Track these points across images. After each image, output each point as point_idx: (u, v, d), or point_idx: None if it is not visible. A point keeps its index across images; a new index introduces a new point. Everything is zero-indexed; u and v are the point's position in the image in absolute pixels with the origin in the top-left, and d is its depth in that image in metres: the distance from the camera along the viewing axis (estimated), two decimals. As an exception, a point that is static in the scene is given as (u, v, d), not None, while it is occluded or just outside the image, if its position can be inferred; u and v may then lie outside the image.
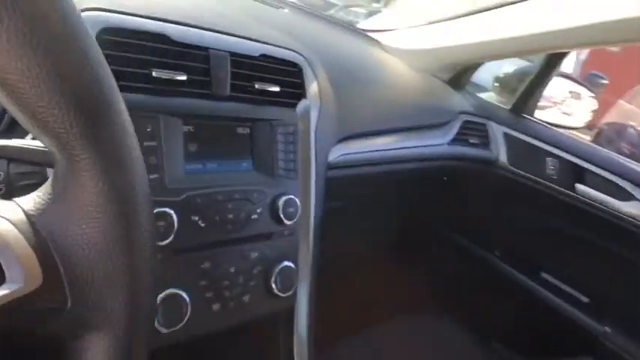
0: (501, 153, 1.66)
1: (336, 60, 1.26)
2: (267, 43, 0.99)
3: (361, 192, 1.42)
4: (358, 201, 1.51)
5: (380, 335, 1.43)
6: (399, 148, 1.34)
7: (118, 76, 0.76)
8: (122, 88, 0.76)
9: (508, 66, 1.83)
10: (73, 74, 0.41)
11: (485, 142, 1.65)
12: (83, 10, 0.73)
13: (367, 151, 1.25)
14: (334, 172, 1.16)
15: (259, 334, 1.03)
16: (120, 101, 0.47)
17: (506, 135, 1.66)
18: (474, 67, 1.72)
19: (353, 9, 2.70)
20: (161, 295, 0.77)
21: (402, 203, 1.65)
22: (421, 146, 1.41)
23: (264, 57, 0.96)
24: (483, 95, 1.82)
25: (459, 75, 1.72)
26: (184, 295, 0.80)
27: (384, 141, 1.31)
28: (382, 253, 1.91)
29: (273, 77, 0.97)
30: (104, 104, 0.44)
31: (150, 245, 0.49)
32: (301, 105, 1.03)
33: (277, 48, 1.01)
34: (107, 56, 0.76)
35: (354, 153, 1.21)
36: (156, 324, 0.77)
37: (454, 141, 1.51)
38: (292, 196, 0.96)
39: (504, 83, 1.81)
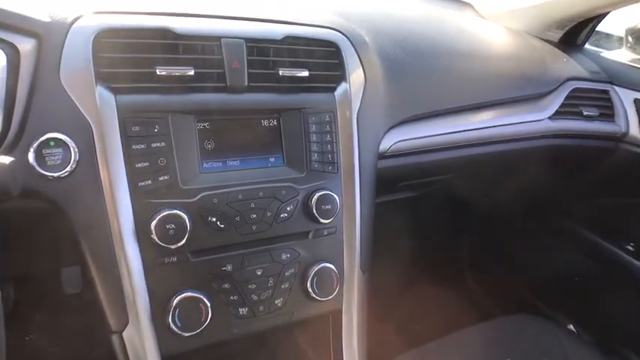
0: (632, 125, 1.31)
1: (397, 33, 1.09)
2: (293, 23, 0.89)
3: (430, 181, 1.24)
4: (427, 191, 1.32)
5: (462, 344, 1.25)
6: (480, 128, 1.13)
7: (121, 78, 0.74)
8: (126, 91, 0.74)
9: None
10: None
11: (607, 112, 1.32)
12: (76, 19, 0.72)
13: (436, 135, 1.07)
14: (391, 161, 1.02)
15: (298, 339, 0.95)
16: None
17: (638, 102, 1.31)
18: (594, 19, 1.38)
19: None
20: (176, 299, 0.75)
21: (481, 192, 1.41)
22: (512, 124, 1.17)
23: (291, 39, 0.86)
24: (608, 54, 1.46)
25: (573, 32, 1.40)
26: (203, 297, 0.77)
27: (462, 120, 1.11)
28: (459, 252, 1.67)
29: (303, 61, 0.87)
30: None
31: None
32: (339, 89, 0.91)
33: (307, 27, 0.90)
34: (107, 59, 0.73)
35: (418, 138, 1.04)
36: (173, 327, 0.74)
37: (558, 114, 1.23)
38: (329, 192, 0.86)
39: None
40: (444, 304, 1.52)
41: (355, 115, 0.93)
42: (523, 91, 1.19)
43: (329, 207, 0.86)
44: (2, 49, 0.66)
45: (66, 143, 0.69)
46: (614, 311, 1.52)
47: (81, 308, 0.79)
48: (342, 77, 0.92)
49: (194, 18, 0.80)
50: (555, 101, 1.23)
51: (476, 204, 1.47)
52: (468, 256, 1.81)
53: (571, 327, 1.59)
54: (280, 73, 0.83)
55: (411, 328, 1.49)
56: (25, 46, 0.69)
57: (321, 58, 0.90)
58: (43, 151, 0.68)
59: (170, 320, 0.74)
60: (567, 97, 1.25)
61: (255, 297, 0.82)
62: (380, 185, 0.99)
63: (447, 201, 1.45)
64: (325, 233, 0.88)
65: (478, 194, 1.42)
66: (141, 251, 0.73)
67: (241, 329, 0.82)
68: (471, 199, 1.45)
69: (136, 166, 0.72)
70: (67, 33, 0.71)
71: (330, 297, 0.88)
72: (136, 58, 0.74)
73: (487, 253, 1.78)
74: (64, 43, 0.71)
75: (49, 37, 0.71)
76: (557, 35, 1.41)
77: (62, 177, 0.70)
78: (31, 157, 0.68)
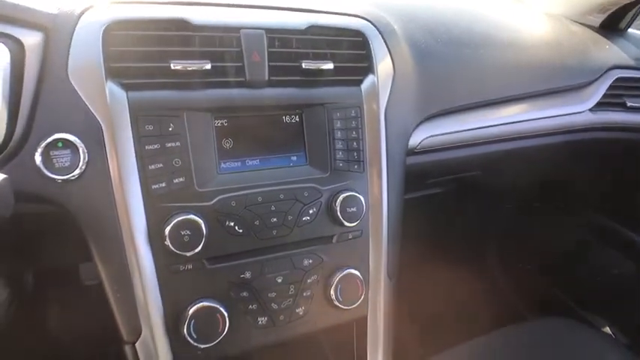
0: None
1: (428, 20, 1.01)
2: (316, 12, 0.82)
3: (460, 177, 1.16)
4: (455, 187, 1.24)
5: (492, 348, 1.19)
6: (517, 122, 1.05)
7: (133, 73, 0.67)
8: (138, 87, 0.68)
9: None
10: None
11: (655, 103, 1.21)
12: (85, 10, 0.67)
13: (469, 129, 0.99)
14: (420, 157, 0.95)
15: (319, 348, 0.90)
16: None
17: (688, 92, 1.20)
18: (639, 2, 1.27)
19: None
20: (192, 309, 0.70)
21: (513, 188, 1.32)
22: (550, 117, 1.08)
23: (315, 29, 0.79)
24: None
25: (616, 15, 1.29)
26: (220, 307, 0.72)
27: (497, 113, 1.03)
28: (487, 250, 1.58)
29: (328, 52, 0.80)
30: None
31: None
32: (366, 82, 0.84)
33: (332, 16, 0.83)
34: (118, 53, 0.67)
35: (450, 133, 0.97)
36: (189, 338, 0.70)
37: (600, 105, 1.13)
38: (354, 193, 0.80)
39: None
40: (473, 304, 1.45)
41: (383, 110, 0.86)
42: (562, 81, 1.10)
43: (354, 209, 0.80)
44: (5, 44, 0.61)
45: (74, 144, 0.65)
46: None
47: (93, 315, 0.75)
48: (369, 69, 0.85)
49: (211, 7, 0.74)
50: (597, 92, 1.13)
51: (507, 200, 1.39)
52: (498, 254, 1.73)
53: (607, 330, 1.51)
54: (303, 65, 0.77)
55: (439, 330, 1.43)
56: (31, 40, 0.64)
57: (347, 49, 0.83)
58: (51, 153, 0.64)
59: (185, 331, 0.69)
60: (610, 87, 1.15)
61: (275, 306, 0.77)
62: (407, 182, 0.92)
63: (475, 196, 1.36)
64: (350, 237, 0.82)
65: (510, 190, 1.34)
66: (154, 258, 0.69)
67: (260, 340, 0.77)
68: (502, 194, 1.36)
69: (150, 167, 0.67)
70: (75, 25, 0.66)
71: (355, 305, 0.82)
72: (149, 51, 0.68)
73: (518, 251, 1.70)
74: (72, 36, 0.66)
75: (56, 30, 0.66)
76: (598, 20, 1.31)
77: (71, 180, 0.65)
78: (37, 159, 0.63)
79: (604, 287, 1.54)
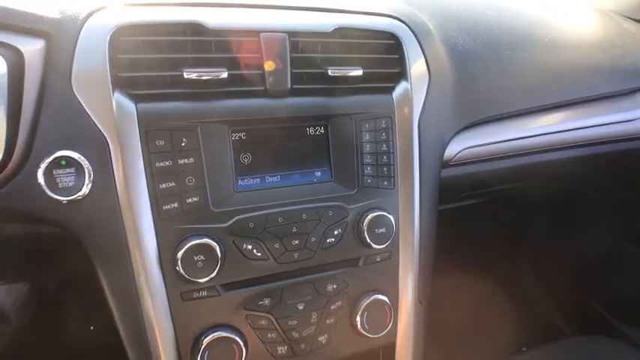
0: None
1: (467, 19, 0.92)
2: (344, 12, 0.74)
3: (499, 190, 1.07)
4: (491, 199, 1.15)
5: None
6: (562, 131, 0.95)
7: (142, 83, 0.61)
8: (148, 98, 0.60)
9: None
10: None
11: None
12: (90, 14, 0.61)
13: (511, 139, 0.90)
14: (456, 169, 0.87)
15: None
16: None
17: None
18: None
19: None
20: (206, 339, 0.64)
21: (554, 199, 1.21)
22: (599, 125, 0.98)
23: (343, 31, 0.72)
24: None
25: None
26: (237, 338, 0.66)
27: (541, 122, 0.93)
28: (524, 264, 1.47)
29: (356, 57, 0.72)
30: None
31: None
32: (398, 89, 0.76)
33: (361, 16, 0.75)
34: (126, 61, 0.59)
35: (490, 144, 0.88)
36: None
37: (656, 112, 1.02)
38: (383, 213, 0.72)
39: None
40: (508, 319, 1.37)
41: (417, 120, 0.78)
42: (613, 85, 0.99)
43: (383, 230, 0.72)
44: (2, 55, 0.55)
45: (79, 162, 0.59)
46: None
47: (102, 345, 0.70)
48: (401, 75, 0.77)
49: (228, 9, 0.67)
50: (652, 98, 1.02)
51: (545, 211, 1.29)
52: (535, 268, 1.62)
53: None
54: (329, 72, 0.69)
55: (474, 347, 1.35)
56: (31, 48, 0.58)
57: (378, 53, 0.75)
58: (54, 172, 0.58)
59: None
60: (666, 92, 1.03)
61: (296, 334, 0.71)
62: (441, 195, 0.84)
63: (511, 208, 1.27)
64: (378, 260, 0.75)
65: (550, 201, 1.24)
66: (165, 284, 0.63)
67: None
68: (542, 206, 1.27)
69: (161, 187, 0.61)
70: (79, 31, 0.60)
71: (382, 333, 0.75)
72: (160, 58, 0.62)
73: (556, 265, 1.59)
74: (76, 43, 0.60)
75: (59, 37, 0.60)
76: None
77: (75, 201, 0.59)
78: (40, 178, 0.58)
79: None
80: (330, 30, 0.71)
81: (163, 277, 0.62)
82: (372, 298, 0.74)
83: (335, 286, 0.72)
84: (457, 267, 1.23)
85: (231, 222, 0.65)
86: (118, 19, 0.60)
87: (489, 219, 1.34)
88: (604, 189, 1.24)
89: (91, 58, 0.60)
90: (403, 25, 0.78)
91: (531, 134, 0.91)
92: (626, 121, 1.00)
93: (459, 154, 0.85)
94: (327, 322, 0.72)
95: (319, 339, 0.72)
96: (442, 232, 0.89)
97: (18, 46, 0.57)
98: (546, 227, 1.45)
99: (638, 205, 1.33)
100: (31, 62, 0.58)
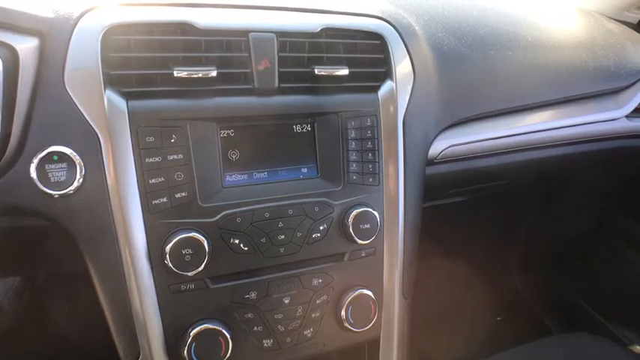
0: None
1: (452, 19, 0.93)
2: (331, 12, 0.76)
3: (483, 187, 1.09)
4: (477, 196, 1.16)
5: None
6: (546, 130, 0.96)
7: (133, 80, 0.62)
8: (139, 95, 0.61)
9: None
10: None
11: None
12: (83, 14, 0.62)
13: (494, 137, 0.92)
14: (441, 167, 0.88)
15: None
16: None
17: None
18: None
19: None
20: (193, 331, 0.65)
21: (539, 196, 1.23)
22: (582, 124, 1.00)
23: (329, 31, 0.73)
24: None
25: (657, 13, 1.19)
26: (223, 330, 0.67)
27: (525, 120, 0.95)
28: (510, 261, 1.49)
29: (342, 56, 0.74)
30: None
31: None
32: (384, 88, 0.78)
33: (347, 17, 0.77)
34: (117, 60, 0.61)
35: (474, 142, 0.89)
36: None
37: (637, 111, 1.04)
38: (368, 209, 0.74)
39: None
40: (494, 316, 1.38)
41: (401, 118, 0.79)
42: (597, 85, 1.01)
43: (368, 226, 0.74)
44: None
45: (70, 157, 0.60)
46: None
47: (90, 335, 0.71)
48: (387, 74, 0.78)
49: (217, 9, 0.69)
50: (635, 97, 1.04)
51: (531, 208, 1.31)
52: (522, 265, 1.64)
53: (639, 348, 1.42)
54: (316, 71, 0.71)
55: (460, 344, 1.36)
56: (25, 46, 0.59)
57: (364, 53, 0.76)
58: (46, 167, 0.60)
59: (186, 354, 0.65)
60: (648, 92, 1.05)
61: (281, 327, 0.72)
62: (426, 193, 0.86)
63: (498, 205, 1.29)
64: (363, 255, 0.77)
65: (535, 198, 1.26)
66: (154, 277, 0.64)
67: None
68: (527, 203, 1.28)
69: (150, 181, 0.62)
70: (72, 30, 0.61)
71: (367, 327, 0.77)
72: (150, 57, 0.63)
73: (543, 262, 1.61)
74: (69, 41, 0.61)
75: (52, 36, 0.61)
76: (636, 16, 1.20)
77: (67, 195, 0.61)
78: (32, 172, 0.59)
79: (634, 301, 1.45)
80: (317, 30, 0.72)
81: (152, 270, 0.64)
82: (356, 293, 0.75)
83: (320, 281, 0.74)
84: (442, 263, 1.25)
85: (218, 217, 0.66)
86: (109, 19, 0.62)
87: (475, 215, 1.36)
88: (586, 186, 1.26)
89: (83, 56, 0.61)
90: (389, 25, 0.79)
91: (515, 133, 0.92)
92: (607, 121, 1.02)
93: (443, 152, 0.86)
94: (313, 315, 0.74)
95: (305, 333, 0.74)
96: (428, 228, 0.91)
97: (13, 44, 0.58)
98: (531, 224, 1.47)
99: (619, 201, 1.35)
100: (25, 60, 0.59)
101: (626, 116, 1.03)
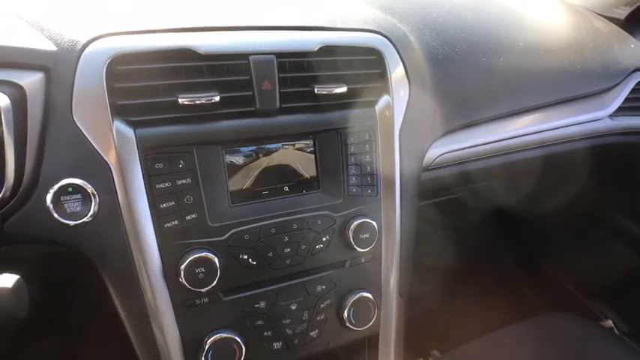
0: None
1: (445, 27, 0.94)
2: (328, 29, 0.76)
3: (471, 188, 1.12)
4: (467, 193, 1.20)
5: (499, 344, 1.19)
6: (534, 133, 0.99)
7: (139, 109, 0.63)
8: (146, 123, 0.63)
9: None
10: None
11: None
12: (86, 45, 0.62)
13: (485, 143, 0.94)
14: (434, 172, 0.92)
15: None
16: None
17: None
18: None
19: None
20: (209, 340, 0.69)
21: (526, 191, 1.28)
22: (568, 126, 1.03)
23: (327, 49, 0.74)
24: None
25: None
26: (237, 337, 0.71)
27: (514, 125, 0.97)
28: (499, 249, 1.54)
29: (341, 74, 0.75)
30: None
31: None
32: (380, 102, 0.79)
33: (344, 33, 0.77)
34: (123, 90, 0.62)
35: (466, 148, 0.92)
36: None
37: (620, 110, 1.07)
38: (367, 220, 0.77)
39: None
40: (484, 303, 1.45)
41: (397, 131, 0.81)
42: (584, 87, 1.03)
43: (367, 235, 0.78)
44: (4, 92, 0.56)
45: (84, 188, 0.62)
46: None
47: (113, 348, 0.75)
48: (383, 89, 0.80)
49: (217, 32, 0.69)
50: (619, 97, 1.07)
51: (519, 201, 1.36)
52: (509, 253, 1.71)
53: (610, 323, 1.51)
54: (316, 90, 0.72)
55: (448, 327, 1.43)
56: (31, 82, 0.60)
57: (361, 69, 0.77)
58: (62, 198, 0.61)
59: None
60: (632, 91, 1.08)
61: (289, 331, 0.76)
62: (421, 196, 0.89)
63: (486, 199, 1.33)
64: (362, 261, 0.80)
65: (522, 193, 1.30)
66: (170, 295, 0.67)
67: None
68: (514, 197, 1.33)
69: (162, 206, 0.65)
70: (77, 63, 0.61)
71: (367, 326, 0.82)
72: (155, 85, 0.64)
73: (529, 250, 1.68)
74: (74, 74, 0.61)
75: (56, 70, 0.61)
76: (624, 12, 1.22)
77: (83, 224, 0.63)
78: (49, 205, 0.61)
79: (612, 282, 1.53)
80: (316, 49, 0.72)
81: (168, 288, 0.67)
82: (357, 296, 0.79)
83: (324, 287, 0.78)
84: (431, 252, 1.30)
85: (227, 235, 0.69)
86: (112, 49, 0.62)
87: (466, 210, 1.40)
88: (573, 181, 1.30)
89: (89, 88, 0.61)
90: (385, 39, 0.80)
91: (506, 137, 0.95)
92: (593, 121, 1.05)
93: (437, 159, 0.89)
94: (318, 318, 0.78)
95: (311, 334, 0.78)
96: (421, 223, 0.95)
97: (18, 82, 0.58)
98: (520, 213, 1.53)
99: (600, 192, 1.41)
100: (32, 95, 0.59)
101: (610, 116, 1.06)
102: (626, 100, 1.07)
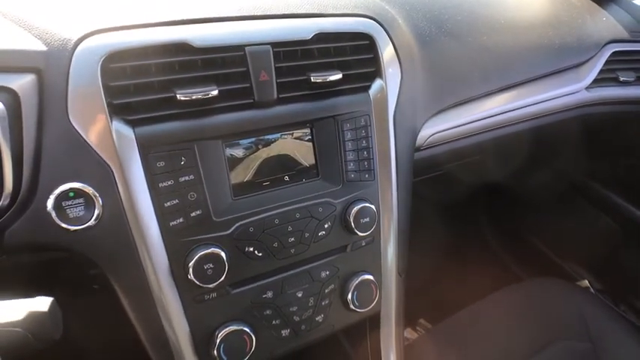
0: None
1: (432, 7, 0.93)
2: (320, 15, 0.75)
3: (458, 164, 1.15)
4: (457, 170, 1.23)
5: (486, 310, 1.25)
6: (518, 108, 1.01)
7: (137, 108, 0.61)
8: (144, 122, 0.61)
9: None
10: None
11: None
12: (78, 43, 0.59)
13: (473, 121, 0.96)
14: (426, 152, 0.93)
15: (336, 342, 0.93)
16: None
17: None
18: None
19: None
20: (221, 333, 0.70)
21: (508, 164, 1.32)
22: (548, 100, 1.05)
23: (320, 36, 0.73)
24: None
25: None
26: (246, 328, 0.71)
27: (498, 101, 0.99)
28: (483, 220, 1.60)
29: (335, 61, 0.74)
30: None
31: None
32: (374, 87, 0.79)
33: (337, 19, 0.76)
34: (119, 88, 0.59)
35: (454, 127, 0.94)
36: None
37: (595, 82, 1.11)
38: (367, 204, 0.78)
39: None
40: (471, 273, 1.50)
41: (392, 114, 0.82)
42: (562, 62, 1.06)
43: (367, 219, 0.78)
44: None
45: (86, 192, 0.60)
46: (629, 266, 1.51)
47: (125, 346, 0.74)
48: (376, 73, 0.79)
49: (211, 24, 0.67)
50: (594, 69, 1.10)
51: (504, 175, 1.40)
52: (493, 224, 1.76)
53: (586, 282, 1.60)
54: (312, 79, 0.71)
55: (438, 300, 1.48)
56: (23, 84, 0.56)
57: (354, 55, 0.77)
58: (63, 204, 0.59)
59: (216, 354, 0.69)
60: (606, 63, 1.12)
61: (296, 318, 0.77)
62: (413, 173, 0.91)
63: (471, 174, 1.37)
64: (363, 244, 0.81)
65: (508, 167, 1.34)
66: (179, 292, 0.67)
67: (283, 349, 0.78)
68: (500, 171, 1.37)
69: (166, 205, 0.63)
70: (69, 63, 0.58)
71: (369, 307, 0.83)
72: (152, 82, 0.62)
73: (511, 220, 1.73)
74: (67, 75, 0.58)
75: (48, 71, 0.58)
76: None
77: (87, 228, 0.61)
78: (50, 211, 0.58)
79: (590, 246, 1.61)
80: (310, 37, 0.71)
81: (177, 286, 0.66)
82: (360, 279, 0.80)
83: (328, 272, 0.79)
84: (422, 229, 1.33)
85: (232, 229, 0.68)
86: (106, 46, 0.59)
87: (452, 184, 1.43)
88: (553, 151, 1.35)
89: (84, 88, 0.58)
90: (376, 23, 0.80)
91: (491, 114, 0.97)
92: (569, 95, 1.08)
93: (429, 139, 0.90)
94: (323, 303, 0.79)
95: (317, 319, 0.79)
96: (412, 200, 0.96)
97: (10, 86, 0.55)
98: (505, 186, 1.57)
99: (581, 162, 1.47)
100: (25, 98, 0.56)
101: (586, 88, 1.10)
102: (601, 71, 1.11)
